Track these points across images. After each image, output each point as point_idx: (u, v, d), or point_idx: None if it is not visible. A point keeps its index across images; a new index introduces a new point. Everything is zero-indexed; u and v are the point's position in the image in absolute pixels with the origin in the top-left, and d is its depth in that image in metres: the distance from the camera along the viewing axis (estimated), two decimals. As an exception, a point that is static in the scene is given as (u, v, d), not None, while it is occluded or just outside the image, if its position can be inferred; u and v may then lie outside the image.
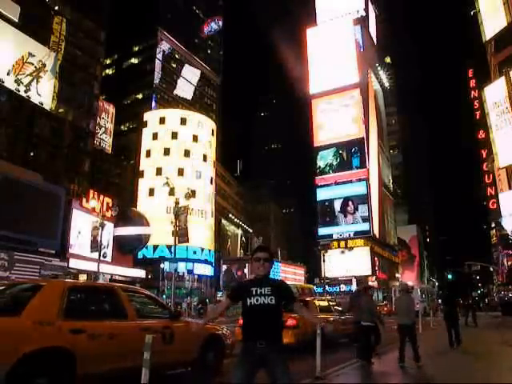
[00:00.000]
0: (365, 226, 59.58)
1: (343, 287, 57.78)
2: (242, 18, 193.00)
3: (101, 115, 48.47)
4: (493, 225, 57.40)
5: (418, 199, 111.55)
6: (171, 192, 30.24)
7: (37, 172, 30.10)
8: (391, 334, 11.97)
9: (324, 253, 50.48)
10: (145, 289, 8.24)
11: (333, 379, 6.57)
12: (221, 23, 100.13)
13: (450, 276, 65.73)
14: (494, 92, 45.93)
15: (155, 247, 46.39)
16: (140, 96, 74.63)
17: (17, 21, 34.94)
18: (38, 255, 25.82)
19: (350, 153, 62.99)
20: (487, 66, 50.85)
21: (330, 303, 14.11)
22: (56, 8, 42.63)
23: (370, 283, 57.84)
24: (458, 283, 59.28)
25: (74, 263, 30.46)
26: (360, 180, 60.88)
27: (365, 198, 60.28)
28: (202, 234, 49.49)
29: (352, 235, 59.69)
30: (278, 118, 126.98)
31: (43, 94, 37.29)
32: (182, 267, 46.32)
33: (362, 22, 71.20)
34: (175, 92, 78.97)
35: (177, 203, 25.02)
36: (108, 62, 71.18)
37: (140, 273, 39.04)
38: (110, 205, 35.09)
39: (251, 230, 72.11)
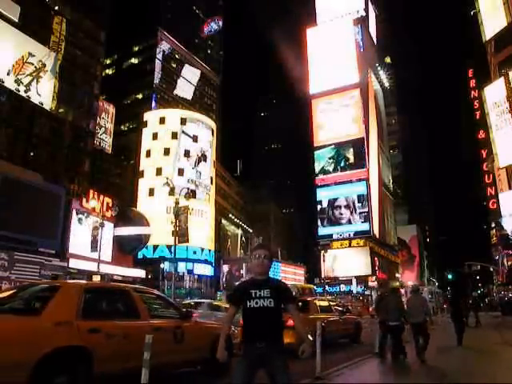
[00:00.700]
0: (365, 226, 59.57)
1: (343, 287, 57.80)
2: (241, 17, 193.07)
3: (101, 115, 48.46)
4: (493, 225, 57.36)
5: (418, 199, 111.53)
6: (171, 192, 30.27)
7: (37, 172, 30.10)
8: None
9: (324, 253, 50.44)
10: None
11: (333, 379, 6.57)
12: (221, 23, 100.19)
13: (449, 276, 65.73)
14: (493, 92, 45.94)
15: (155, 247, 46.38)
16: (140, 96, 74.63)
17: (17, 21, 34.95)
18: (38, 255, 25.81)
19: (350, 153, 63.01)
20: (487, 66, 50.86)
21: (331, 303, 14.19)
22: (56, 8, 42.62)
23: (370, 283, 57.92)
24: (458, 283, 59.33)
25: (74, 263, 30.48)
26: (360, 180, 60.88)
27: (365, 198, 60.28)
28: (202, 234, 49.46)
29: (352, 235, 59.69)
30: (278, 118, 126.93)
31: (43, 94, 37.29)
32: (182, 267, 46.32)
33: (362, 21, 71.15)
34: (175, 92, 78.97)
35: (177, 203, 25.01)
36: (108, 62, 71.17)
37: (140, 273, 39.03)
38: (110, 205, 35.09)
39: (251, 230, 72.12)
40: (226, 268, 51.64)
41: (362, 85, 65.68)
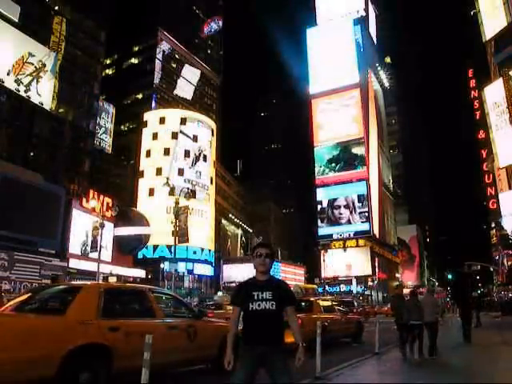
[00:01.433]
0: (365, 226, 59.60)
1: (343, 287, 57.84)
2: (242, 17, 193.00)
3: (101, 115, 48.45)
4: (493, 225, 57.37)
5: (418, 199, 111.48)
6: (171, 192, 30.30)
7: (37, 172, 30.08)
8: (389, 335, 12.00)
9: (324, 253, 50.54)
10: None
11: (333, 379, 6.57)
12: (221, 23, 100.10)
13: (449, 276, 65.66)
14: (493, 92, 45.95)
15: (155, 247, 46.39)
16: (140, 96, 74.61)
17: (17, 21, 34.91)
18: (38, 255, 25.75)
19: (350, 153, 63.04)
20: (487, 66, 50.90)
21: (333, 303, 14.33)
22: (56, 8, 42.60)
23: (370, 283, 58.00)
24: (458, 283, 59.15)
25: (74, 263, 30.48)
26: (360, 180, 60.90)
27: (365, 198, 60.30)
28: (202, 234, 49.46)
29: (352, 235, 59.72)
30: (278, 118, 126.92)
31: (43, 94, 37.25)
32: (182, 267, 46.28)
33: (362, 22, 71.20)
34: (175, 92, 78.96)
35: (177, 203, 25.02)
36: (108, 61, 71.16)
37: (140, 273, 39.02)
38: (110, 205, 35.06)
39: (251, 230, 72.13)
40: (226, 267, 51.60)
41: (362, 85, 65.71)
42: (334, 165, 64.01)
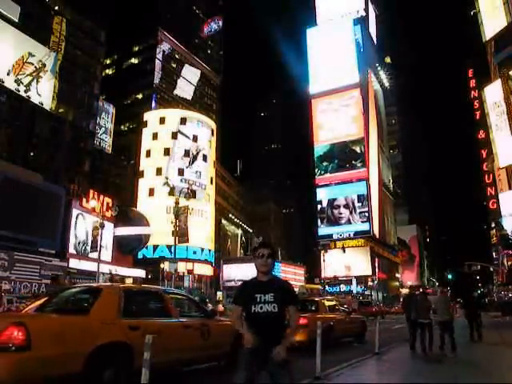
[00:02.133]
0: (365, 226, 59.58)
1: (343, 287, 57.81)
2: (242, 18, 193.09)
3: (101, 115, 48.47)
4: (493, 225, 57.36)
5: (418, 199, 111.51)
6: (171, 192, 30.30)
7: (37, 172, 30.07)
8: (389, 334, 12.00)
9: (324, 253, 50.55)
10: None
11: (333, 379, 6.57)
12: (221, 23, 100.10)
13: (449, 276, 65.71)
14: (493, 92, 45.97)
15: (155, 247, 46.37)
16: (140, 96, 74.62)
17: (17, 21, 34.93)
18: (38, 255, 25.75)
19: (350, 153, 63.02)
20: (487, 66, 50.91)
21: (336, 303, 14.50)
22: (56, 8, 42.62)
23: (370, 283, 58.01)
24: (459, 283, 59.31)
25: (74, 263, 30.48)
26: (360, 180, 60.88)
27: (365, 198, 60.28)
28: (201, 234, 49.44)
29: (352, 235, 59.68)
30: (278, 117, 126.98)
31: (43, 94, 37.27)
32: (182, 267, 46.26)
33: (362, 21, 71.20)
34: (175, 92, 78.96)
35: (177, 203, 25.02)
36: (108, 62, 71.16)
37: (140, 273, 39.03)
38: (110, 205, 35.05)
39: (251, 230, 72.13)
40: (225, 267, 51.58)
41: (362, 85, 65.69)
42: (333, 165, 63.99)
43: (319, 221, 62.99)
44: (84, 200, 32.99)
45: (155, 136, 53.22)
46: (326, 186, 63.04)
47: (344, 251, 50.23)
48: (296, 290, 40.08)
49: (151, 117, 56.01)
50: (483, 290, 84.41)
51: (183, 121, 54.24)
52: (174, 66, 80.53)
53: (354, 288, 57.66)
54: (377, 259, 61.22)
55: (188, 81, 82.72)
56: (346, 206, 61.29)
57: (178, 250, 28.32)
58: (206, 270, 52.41)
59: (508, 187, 46.24)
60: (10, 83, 34.45)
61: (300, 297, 14.49)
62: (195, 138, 54.30)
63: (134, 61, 78.65)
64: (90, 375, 4.61)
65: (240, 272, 45.03)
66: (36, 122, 37.58)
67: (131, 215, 39.03)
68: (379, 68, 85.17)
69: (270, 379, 3.10)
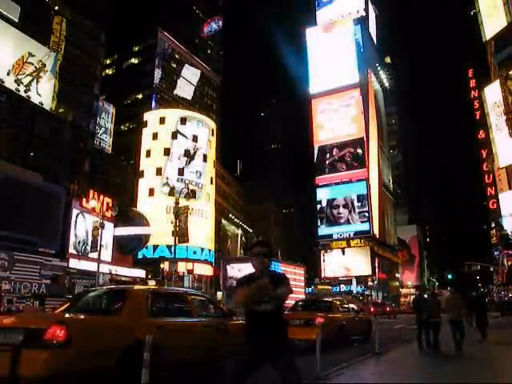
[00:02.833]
0: (365, 226, 59.54)
1: (343, 287, 57.77)
2: (242, 17, 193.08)
3: (101, 115, 48.50)
4: (493, 225, 57.33)
5: (418, 199, 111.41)
6: (171, 192, 30.28)
7: (37, 172, 30.07)
8: (389, 334, 12.00)
9: (324, 253, 50.54)
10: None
11: (333, 379, 6.56)
12: (221, 23, 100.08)
13: (449, 276, 65.67)
14: (493, 92, 45.95)
15: (155, 247, 46.34)
16: (140, 96, 74.60)
17: (17, 21, 34.96)
18: (38, 255, 25.75)
19: (350, 153, 63.00)
20: (487, 66, 50.89)
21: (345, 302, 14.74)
22: (56, 8, 42.65)
23: (370, 283, 57.99)
24: (459, 283, 59.24)
25: (74, 263, 30.47)
26: (360, 180, 60.85)
27: (365, 198, 60.25)
28: (202, 234, 49.42)
29: (352, 235, 59.63)
30: (278, 117, 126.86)
31: (43, 94, 37.29)
32: (181, 267, 46.26)
33: (362, 22, 71.16)
34: (175, 92, 78.92)
35: (177, 203, 24.98)
36: (108, 62, 71.16)
37: (140, 273, 39.03)
38: (110, 205, 35.04)
39: (251, 230, 72.11)
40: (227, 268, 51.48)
41: (362, 85, 65.66)
42: (334, 164, 63.96)
43: (319, 221, 62.94)
44: (84, 200, 32.96)
45: (155, 136, 53.17)
46: (326, 186, 63.01)
47: (344, 253, 50.36)
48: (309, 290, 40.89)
49: (151, 117, 55.96)
50: (483, 290, 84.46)
51: (183, 121, 54.18)
52: (174, 66, 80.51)
53: (354, 288, 57.61)
54: (377, 259, 61.17)
55: (188, 81, 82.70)
56: (345, 206, 61.24)
57: (178, 250, 28.30)
58: (206, 270, 52.38)
59: (508, 187, 46.22)
60: (10, 83, 34.47)
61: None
62: (195, 138, 54.23)
63: (134, 61, 78.64)
64: (121, 370, 4.96)
65: (244, 273, 44.94)
66: (36, 122, 37.61)
67: (131, 215, 39.01)
68: (379, 68, 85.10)
69: (279, 373, 3.11)
